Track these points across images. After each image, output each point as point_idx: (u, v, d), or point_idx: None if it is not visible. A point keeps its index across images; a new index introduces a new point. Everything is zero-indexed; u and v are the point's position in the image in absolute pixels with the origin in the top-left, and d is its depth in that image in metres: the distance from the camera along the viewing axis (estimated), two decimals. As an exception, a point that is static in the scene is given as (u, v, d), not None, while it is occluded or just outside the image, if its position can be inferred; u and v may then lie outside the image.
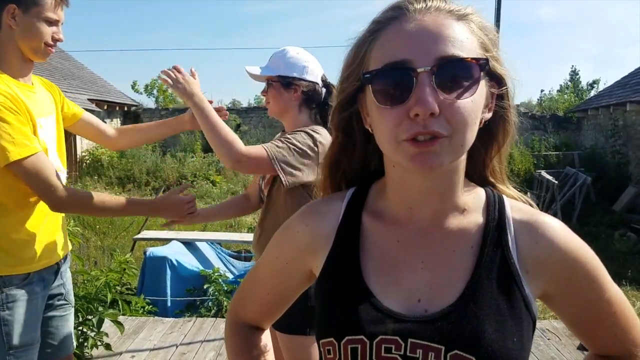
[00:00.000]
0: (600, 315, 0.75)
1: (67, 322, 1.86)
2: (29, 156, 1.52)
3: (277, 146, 1.72)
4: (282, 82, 1.81)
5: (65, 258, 1.82)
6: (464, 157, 0.72)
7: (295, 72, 1.81)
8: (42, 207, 1.66)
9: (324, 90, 1.86)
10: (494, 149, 0.77)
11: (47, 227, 1.69)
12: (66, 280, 1.84)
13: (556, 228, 0.73)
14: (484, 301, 0.68)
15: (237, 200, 2.14)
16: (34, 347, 1.65)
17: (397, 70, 0.65)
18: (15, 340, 1.58)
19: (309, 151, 1.72)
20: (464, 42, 0.65)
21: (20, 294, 1.60)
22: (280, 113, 1.87)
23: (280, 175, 1.69)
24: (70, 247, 1.90)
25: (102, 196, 1.69)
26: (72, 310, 1.90)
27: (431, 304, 0.70)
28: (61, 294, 1.81)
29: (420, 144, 0.64)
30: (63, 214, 1.78)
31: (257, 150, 1.70)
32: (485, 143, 0.76)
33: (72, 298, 1.89)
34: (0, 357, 1.56)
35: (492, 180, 0.80)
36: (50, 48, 1.64)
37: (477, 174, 0.79)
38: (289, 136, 1.76)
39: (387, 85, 0.66)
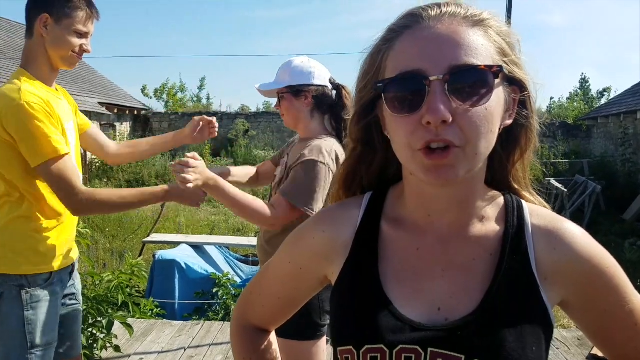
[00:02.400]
0: (620, 326, 0.73)
1: (77, 323, 1.88)
2: (61, 156, 1.56)
3: (298, 191, 1.71)
4: (292, 92, 1.83)
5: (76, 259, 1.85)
6: (482, 165, 0.71)
7: (302, 79, 1.82)
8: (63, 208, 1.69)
9: (333, 92, 1.87)
10: (516, 154, 0.76)
11: (67, 228, 1.73)
12: (76, 280, 1.87)
13: (575, 234, 0.71)
14: (503, 310, 0.67)
15: (249, 173, 2.16)
16: (52, 347, 1.67)
17: (410, 79, 0.65)
18: (37, 339, 1.61)
19: (327, 182, 1.71)
20: (478, 49, 0.64)
21: (43, 295, 1.63)
22: (294, 123, 1.89)
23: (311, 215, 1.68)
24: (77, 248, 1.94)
25: (120, 192, 1.72)
26: (81, 310, 1.93)
27: (451, 313, 0.69)
28: (73, 294, 1.83)
29: (434, 156, 0.63)
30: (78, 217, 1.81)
31: (283, 206, 1.71)
32: (508, 149, 0.75)
33: (80, 298, 1.91)
34: (22, 356, 1.59)
35: (516, 186, 0.78)
36: (77, 57, 1.70)
37: (500, 180, 0.78)
38: (303, 174, 1.72)
39: (400, 93, 0.66)
